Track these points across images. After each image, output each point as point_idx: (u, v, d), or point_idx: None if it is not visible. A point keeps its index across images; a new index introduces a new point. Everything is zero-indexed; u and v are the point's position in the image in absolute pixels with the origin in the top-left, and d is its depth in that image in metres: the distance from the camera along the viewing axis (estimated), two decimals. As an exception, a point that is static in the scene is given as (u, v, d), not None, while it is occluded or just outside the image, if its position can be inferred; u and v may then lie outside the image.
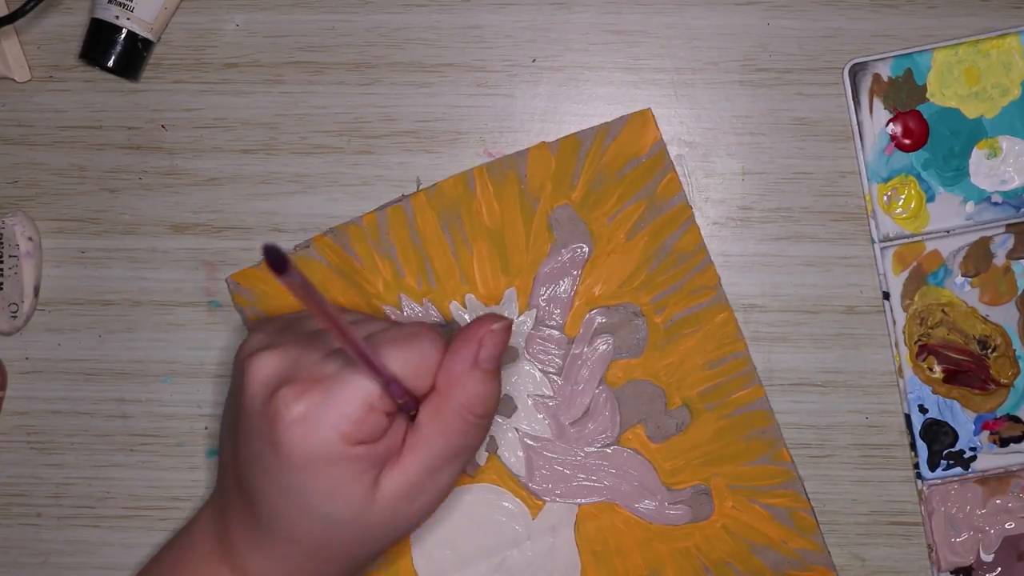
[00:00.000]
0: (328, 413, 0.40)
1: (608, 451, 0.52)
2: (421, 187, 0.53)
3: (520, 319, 0.53)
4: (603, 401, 0.52)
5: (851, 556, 0.53)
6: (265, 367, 0.42)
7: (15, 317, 0.54)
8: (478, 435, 0.44)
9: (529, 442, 0.53)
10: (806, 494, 0.52)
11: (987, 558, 0.52)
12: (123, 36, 0.52)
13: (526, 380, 0.53)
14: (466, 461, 0.44)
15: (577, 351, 0.52)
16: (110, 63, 0.52)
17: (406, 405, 0.42)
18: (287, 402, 0.41)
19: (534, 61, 0.53)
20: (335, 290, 0.53)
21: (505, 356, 0.51)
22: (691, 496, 0.52)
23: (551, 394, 0.53)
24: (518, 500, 0.53)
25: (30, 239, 0.54)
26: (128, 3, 0.52)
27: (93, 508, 0.54)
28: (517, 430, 0.53)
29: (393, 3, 0.54)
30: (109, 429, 0.54)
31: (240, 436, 0.43)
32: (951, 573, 0.52)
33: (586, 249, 0.52)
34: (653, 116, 0.52)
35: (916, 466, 0.53)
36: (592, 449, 0.52)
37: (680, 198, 0.52)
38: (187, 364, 0.54)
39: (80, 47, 0.53)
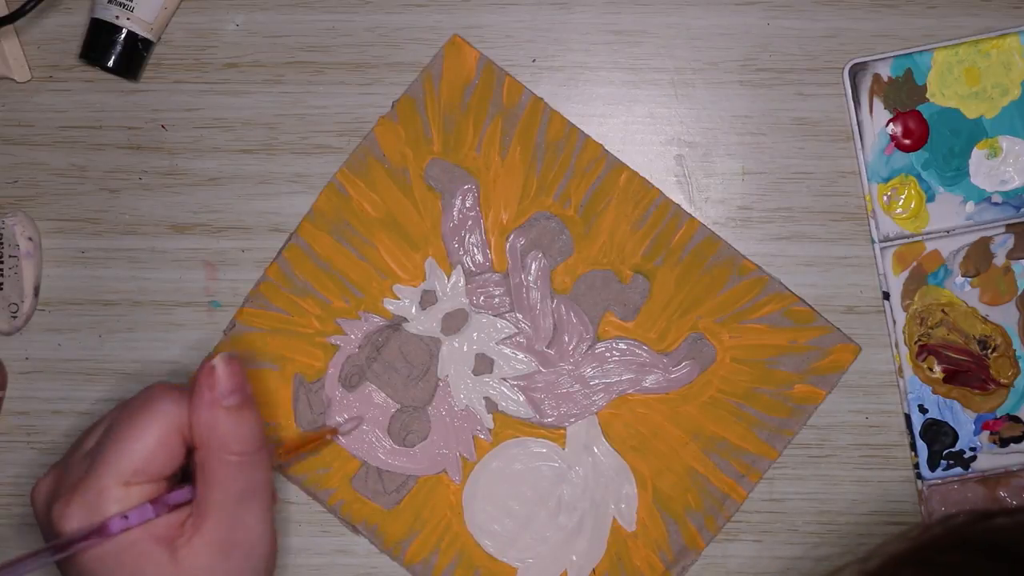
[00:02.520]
0: (96, 513, 0.42)
1: (594, 352, 0.53)
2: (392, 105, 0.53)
3: (452, 281, 0.53)
4: (564, 311, 0.53)
5: (851, 556, 0.53)
6: (39, 492, 0.44)
7: (15, 317, 0.54)
8: (255, 471, 0.44)
9: (521, 383, 0.53)
10: (787, 288, 0.52)
11: (987, 558, 0.52)
12: (123, 36, 0.52)
13: (487, 331, 0.53)
14: (266, 496, 0.44)
15: (516, 281, 0.53)
16: (110, 63, 0.52)
17: (141, 518, 0.42)
18: (59, 518, 0.42)
19: (534, 61, 0.53)
20: (278, 347, 0.53)
21: (449, 322, 0.52)
22: (688, 349, 0.52)
23: (516, 331, 0.53)
24: (542, 440, 0.53)
25: (30, 239, 0.54)
26: (128, 3, 0.52)
27: (93, 508, 0.54)
28: (504, 379, 0.53)
29: (393, 3, 0.54)
30: (109, 429, 0.54)
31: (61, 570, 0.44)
32: (951, 573, 0.52)
33: (473, 187, 0.52)
34: (462, 39, 0.52)
35: (916, 466, 0.53)
36: (578, 358, 0.53)
37: (527, 96, 0.52)
38: (187, 364, 0.54)
39: (80, 47, 0.53)
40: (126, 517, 0.42)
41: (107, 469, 0.42)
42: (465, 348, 0.53)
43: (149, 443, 0.43)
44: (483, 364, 0.53)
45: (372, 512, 0.53)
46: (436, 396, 0.53)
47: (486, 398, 0.53)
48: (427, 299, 0.53)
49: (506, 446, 0.53)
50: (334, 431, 0.52)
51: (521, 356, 0.53)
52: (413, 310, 0.53)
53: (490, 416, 0.53)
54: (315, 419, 0.53)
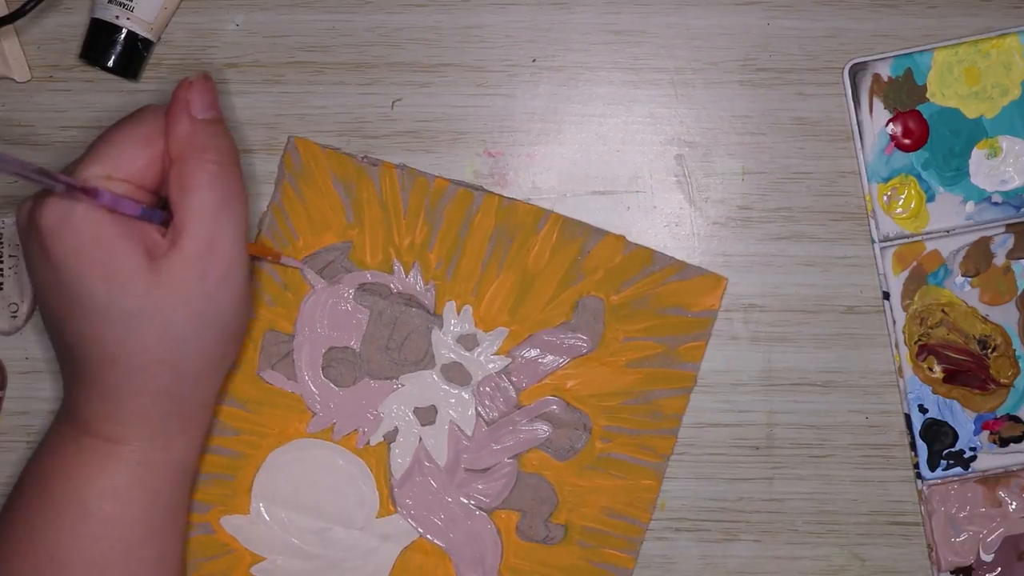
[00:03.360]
0: (76, 205, 0.42)
1: (476, 512, 0.52)
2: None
3: (494, 358, 0.53)
4: (506, 472, 0.52)
5: (851, 556, 0.53)
6: (23, 206, 0.45)
7: (15, 317, 0.54)
8: (231, 181, 0.45)
9: (422, 457, 0.53)
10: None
11: (987, 558, 0.52)
12: (123, 36, 0.52)
13: (459, 408, 0.53)
14: (242, 215, 0.45)
15: (517, 419, 0.53)
16: (110, 63, 0.52)
17: (125, 207, 0.43)
18: (41, 213, 0.43)
19: (534, 61, 0.53)
20: (371, 215, 0.53)
21: (454, 373, 0.52)
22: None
23: (469, 434, 0.53)
24: (376, 494, 0.53)
25: (30, 239, 0.54)
26: (128, 3, 0.52)
27: (93, 508, 0.54)
28: (420, 439, 0.53)
29: (393, 3, 0.54)
30: (109, 429, 0.54)
31: (31, 274, 0.45)
32: (951, 573, 0.52)
33: (587, 346, 0.52)
34: (725, 287, 0.52)
35: (916, 466, 0.53)
36: (465, 502, 0.52)
37: (694, 367, 0.52)
38: (187, 364, 0.54)
39: (80, 47, 0.53)
40: (111, 199, 0.43)
41: (91, 160, 0.44)
42: (435, 393, 0.53)
43: (134, 140, 0.44)
44: (426, 414, 0.53)
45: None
46: (379, 378, 0.53)
47: (396, 427, 0.53)
48: (466, 340, 0.53)
49: (356, 463, 0.53)
50: (277, 257, 0.52)
51: (446, 448, 0.53)
52: (451, 325, 0.53)
53: (381, 438, 0.53)
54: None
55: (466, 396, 0.53)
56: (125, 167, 0.44)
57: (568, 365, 0.52)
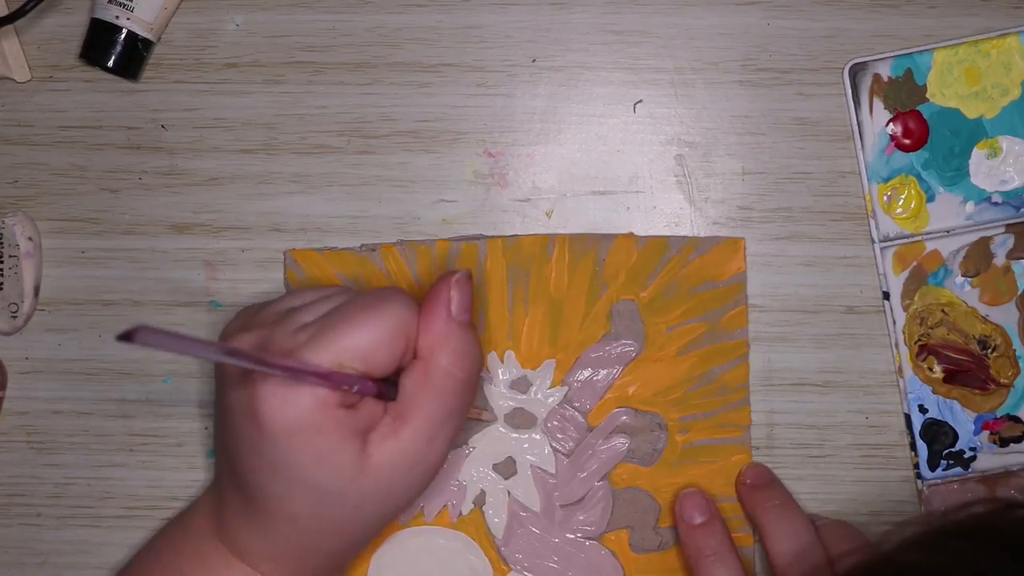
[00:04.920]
0: (298, 391, 0.41)
1: (586, 543, 0.52)
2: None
3: (551, 391, 0.52)
4: (600, 496, 0.52)
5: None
6: (237, 344, 0.42)
7: (15, 317, 0.54)
8: (467, 396, 0.44)
9: (516, 509, 0.52)
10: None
11: (987, 558, 0.52)
12: (123, 36, 0.52)
13: (534, 450, 0.52)
14: (458, 427, 0.44)
15: (593, 441, 0.52)
16: (110, 63, 0.52)
17: (360, 388, 0.42)
18: (261, 397, 0.41)
19: (534, 61, 0.53)
20: None
21: (518, 419, 0.52)
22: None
23: (553, 471, 0.52)
24: (486, 559, 0.52)
25: (30, 239, 0.54)
26: (128, 3, 0.52)
27: (93, 508, 0.54)
28: (509, 493, 0.52)
29: (393, 3, 0.54)
30: (109, 429, 0.54)
31: (225, 418, 0.43)
32: (951, 573, 0.52)
33: (635, 349, 0.52)
34: (744, 247, 0.52)
35: (916, 466, 0.53)
36: (572, 537, 0.52)
37: (742, 333, 0.52)
38: (187, 364, 0.54)
39: (80, 47, 0.53)
40: (349, 383, 0.41)
41: (328, 344, 0.41)
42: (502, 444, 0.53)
43: (379, 333, 0.42)
44: (507, 468, 0.53)
45: None
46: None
47: (483, 490, 0.52)
48: (519, 384, 0.53)
49: (459, 537, 0.52)
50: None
51: (537, 492, 0.52)
52: (500, 375, 0.53)
53: (472, 506, 0.52)
54: None
55: (537, 437, 0.52)
56: (361, 359, 0.42)
57: (623, 373, 0.52)
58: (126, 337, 0.32)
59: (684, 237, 0.52)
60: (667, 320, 0.52)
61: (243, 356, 0.38)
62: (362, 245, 0.53)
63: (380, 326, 0.42)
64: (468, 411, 0.45)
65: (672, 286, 0.52)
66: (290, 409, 0.41)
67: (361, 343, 0.41)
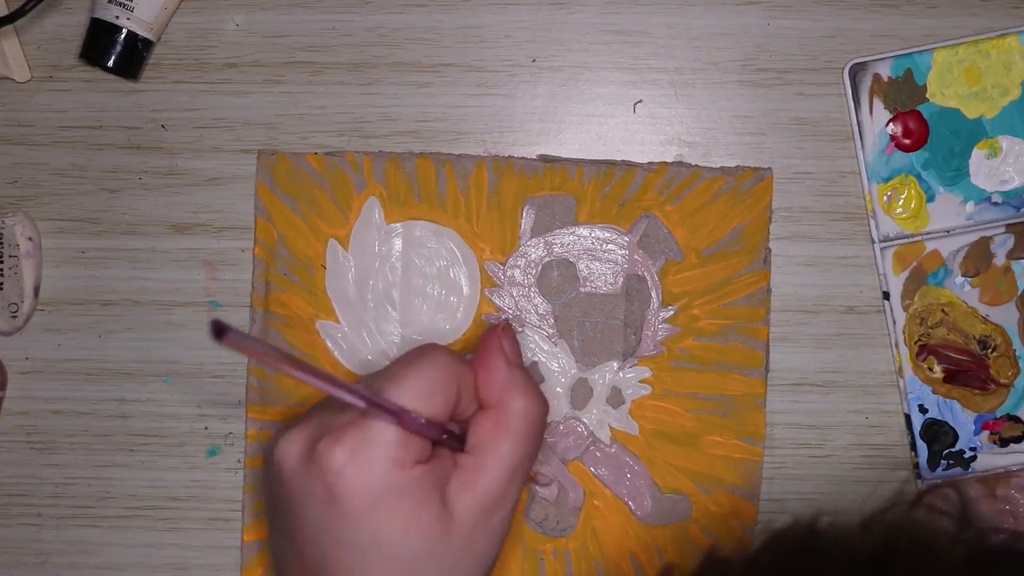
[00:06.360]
0: (372, 446, 0.40)
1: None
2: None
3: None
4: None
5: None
6: (292, 443, 0.41)
7: (15, 317, 0.54)
8: (539, 439, 0.44)
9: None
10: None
11: (987, 558, 0.52)
12: (123, 36, 0.52)
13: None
14: (527, 472, 0.44)
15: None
16: (110, 63, 0.52)
17: (430, 430, 0.41)
18: (329, 453, 0.40)
19: (534, 61, 0.53)
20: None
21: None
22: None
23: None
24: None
25: (30, 239, 0.54)
26: (128, 3, 0.52)
27: (93, 508, 0.54)
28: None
29: (393, 3, 0.54)
30: (109, 429, 0.54)
31: (295, 524, 0.42)
32: (951, 573, 0.52)
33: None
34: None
35: (916, 466, 0.53)
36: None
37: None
38: (187, 364, 0.54)
39: (80, 47, 0.53)
40: (419, 424, 0.40)
41: (390, 391, 0.41)
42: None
43: (429, 383, 0.41)
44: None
45: None
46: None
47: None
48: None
49: None
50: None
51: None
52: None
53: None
54: None
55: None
56: (426, 402, 0.41)
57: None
58: (218, 333, 0.32)
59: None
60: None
61: (324, 377, 0.38)
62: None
63: (428, 376, 0.42)
64: (536, 456, 0.44)
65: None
66: (367, 477, 0.40)
67: (416, 394, 0.41)
